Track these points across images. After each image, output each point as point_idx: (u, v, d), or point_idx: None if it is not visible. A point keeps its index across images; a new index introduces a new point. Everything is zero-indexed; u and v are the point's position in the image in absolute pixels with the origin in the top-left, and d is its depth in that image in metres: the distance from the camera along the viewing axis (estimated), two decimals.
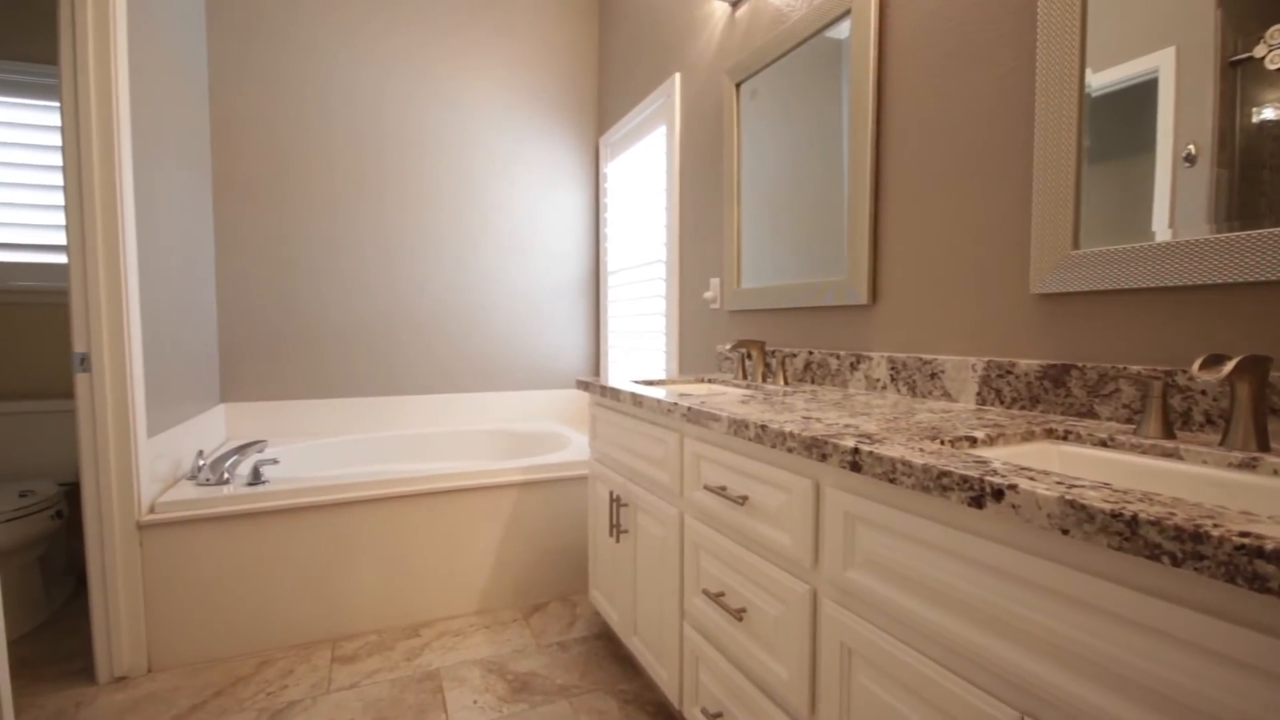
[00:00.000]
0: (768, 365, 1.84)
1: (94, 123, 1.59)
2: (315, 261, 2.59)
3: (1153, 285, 0.94)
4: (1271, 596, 0.46)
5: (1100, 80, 1.01)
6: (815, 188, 1.66)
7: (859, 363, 1.51)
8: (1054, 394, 1.08)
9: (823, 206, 1.63)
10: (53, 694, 1.61)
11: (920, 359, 1.35)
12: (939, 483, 0.69)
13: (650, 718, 1.55)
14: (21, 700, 1.59)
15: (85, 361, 1.62)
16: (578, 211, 3.08)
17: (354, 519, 1.92)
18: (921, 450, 0.78)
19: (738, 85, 1.96)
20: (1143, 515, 0.51)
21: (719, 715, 1.19)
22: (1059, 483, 0.61)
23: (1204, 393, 0.89)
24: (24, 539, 1.88)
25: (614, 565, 1.71)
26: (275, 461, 2.00)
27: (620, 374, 2.93)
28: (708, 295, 2.15)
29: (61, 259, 2.39)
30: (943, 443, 0.85)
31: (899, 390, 1.40)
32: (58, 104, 2.36)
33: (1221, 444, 0.78)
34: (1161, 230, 0.93)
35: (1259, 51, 0.81)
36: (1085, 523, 0.55)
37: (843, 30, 1.53)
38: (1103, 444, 0.88)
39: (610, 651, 1.85)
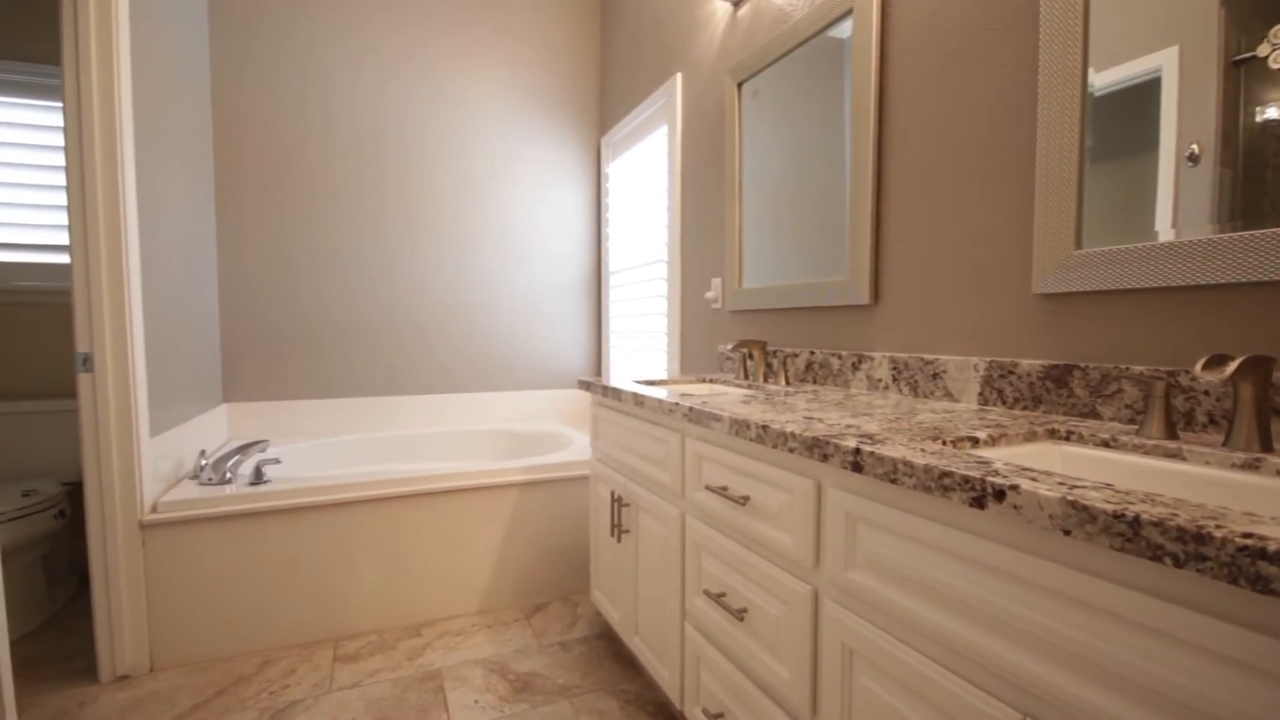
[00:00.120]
0: (769, 365, 1.84)
1: (96, 123, 1.59)
2: (316, 261, 2.59)
3: (1156, 285, 0.93)
4: (1274, 598, 0.45)
5: (1103, 80, 1.00)
6: (817, 187, 1.65)
7: (861, 363, 1.51)
8: (1056, 394, 1.08)
9: (824, 206, 1.63)
10: (55, 693, 1.62)
11: (922, 359, 1.35)
12: (940, 483, 0.69)
13: (651, 718, 1.55)
14: (24, 699, 1.59)
15: (88, 361, 1.62)
16: (579, 211, 3.08)
17: (356, 519, 1.93)
18: (923, 451, 0.78)
19: (739, 85, 1.96)
20: (1145, 516, 0.51)
21: (720, 716, 1.19)
22: (1061, 483, 0.61)
23: (1207, 393, 0.88)
24: (27, 538, 1.88)
25: (615, 565, 1.71)
26: (277, 461, 2.00)
27: (622, 374, 2.93)
28: (709, 295, 2.15)
29: (63, 259, 2.40)
30: (944, 443, 0.85)
31: (901, 390, 1.40)
32: (59, 104, 2.38)
33: (1224, 445, 0.78)
34: (1165, 230, 0.93)
35: (1262, 51, 0.81)
36: (1087, 523, 0.55)
37: (845, 30, 1.53)
38: (1105, 444, 0.88)
39: (611, 652, 1.85)
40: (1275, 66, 0.80)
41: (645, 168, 2.70)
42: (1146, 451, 0.83)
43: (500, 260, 2.92)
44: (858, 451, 0.81)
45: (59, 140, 2.38)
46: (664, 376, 2.02)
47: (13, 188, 2.35)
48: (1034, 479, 0.63)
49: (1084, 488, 0.60)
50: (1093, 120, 1.02)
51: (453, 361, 2.85)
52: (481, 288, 2.89)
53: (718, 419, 1.14)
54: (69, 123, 1.58)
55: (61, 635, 1.92)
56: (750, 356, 1.86)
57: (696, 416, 1.21)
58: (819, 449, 0.88)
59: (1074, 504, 0.56)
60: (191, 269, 2.15)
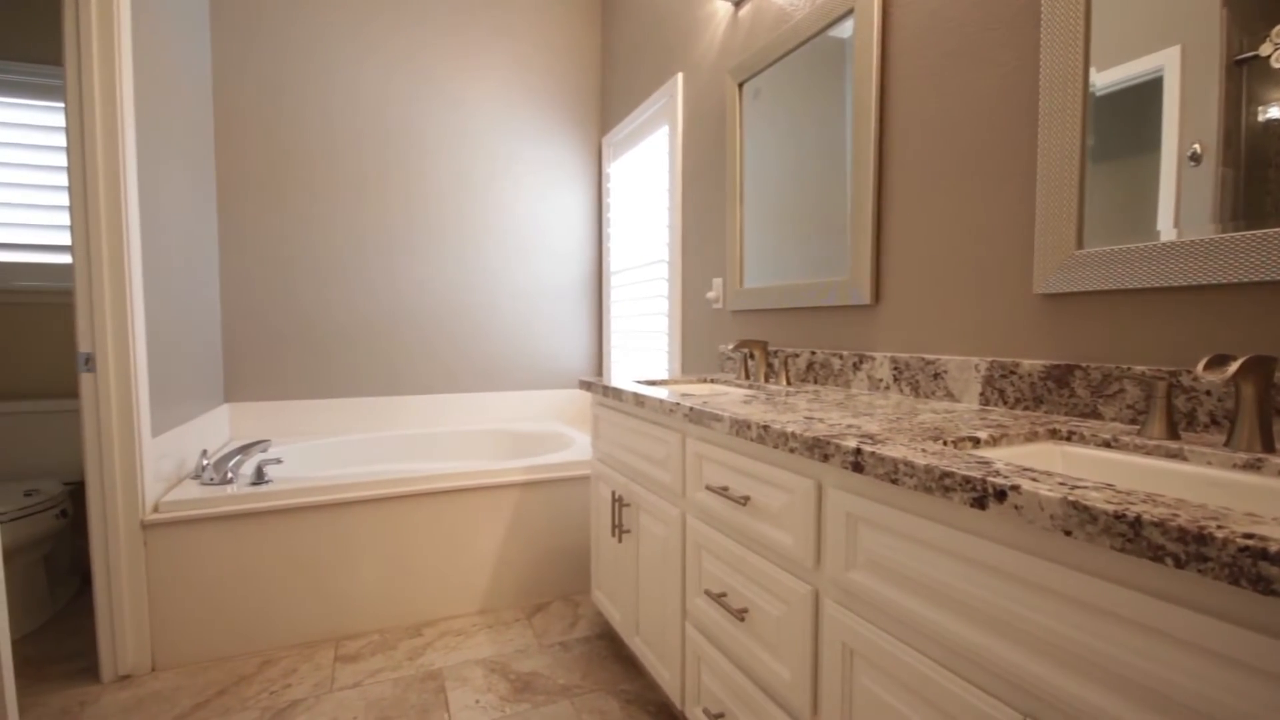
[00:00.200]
0: (770, 365, 1.83)
1: (98, 123, 1.60)
2: (318, 262, 2.60)
3: (1157, 285, 0.93)
4: (1275, 598, 0.45)
5: (1104, 79, 1.00)
6: (818, 187, 1.65)
7: (862, 363, 1.51)
8: (1058, 394, 1.08)
9: (825, 206, 1.63)
10: (57, 692, 1.62)
11: (923, 359, 1.34)
12: (941, 483, 0.69)
13: (652, 718, 1.55)
14: (26, 699, 1.59)
15: (90, 361, 1.63)
16: (580, 211, 3.08)
17: (357, 519, 1.93)
18: (924, 451, 0.78)
19: (740, 85, 1.96)
20: (1146, 516, 0.51)
21: (721, 716, 1.19)
22: (1062, 484, 0.61)
23: (1209, 393, 0.88)
24: (29, 538, 1.89)
25: (616, 565, 1.71)
26: (279, 461, 2.00)
27: (623, 374, 2.93)
28: (710, 295, 2.15)
29: (65, 259, 2.40)
30: (945, 443, 0.85)
31: (902, 390, 1.40)
32: (60, 104, 2.38)
33: (1226, 445, 0.78)
34: (1166, 230, 0.93)
35: (1265, 50, 0.81)
36: (1088, 524, 0.55)
37: (846, 29, 1.53)
38: (1107, 445, 0.88)
39: (612, 652, 1.85)
40: (1277, 66, 0.80)
41: (646, 168, 2.70)
42: (1148, 452, 0.83)
43: (501, 260, 2.92)
44: (858, 452, 0.81)
45: (59, 140, 2.38)
46: (665, 376, 2.02)
47: (13, 188, 2.35)
48: (1035, 479, 0.63)
49: (1085, 488, 0.59)
50: (1094, 120, 1.02)
51: (454, 361, 2.85)
52: (483, 287, 2.89)
53: (718, 419, 1.13)
54: (70, 123, 1.59)
55: (63, 635, 1.92)
56: (751, 356, 1.86)
57: (697, 416, 1.21)
58: (820, 449, 0.88)
59: (1075, 504, 0.56)
60: (193, 269, 2.16)
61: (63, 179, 2.38)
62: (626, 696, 1.63)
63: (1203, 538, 0.47)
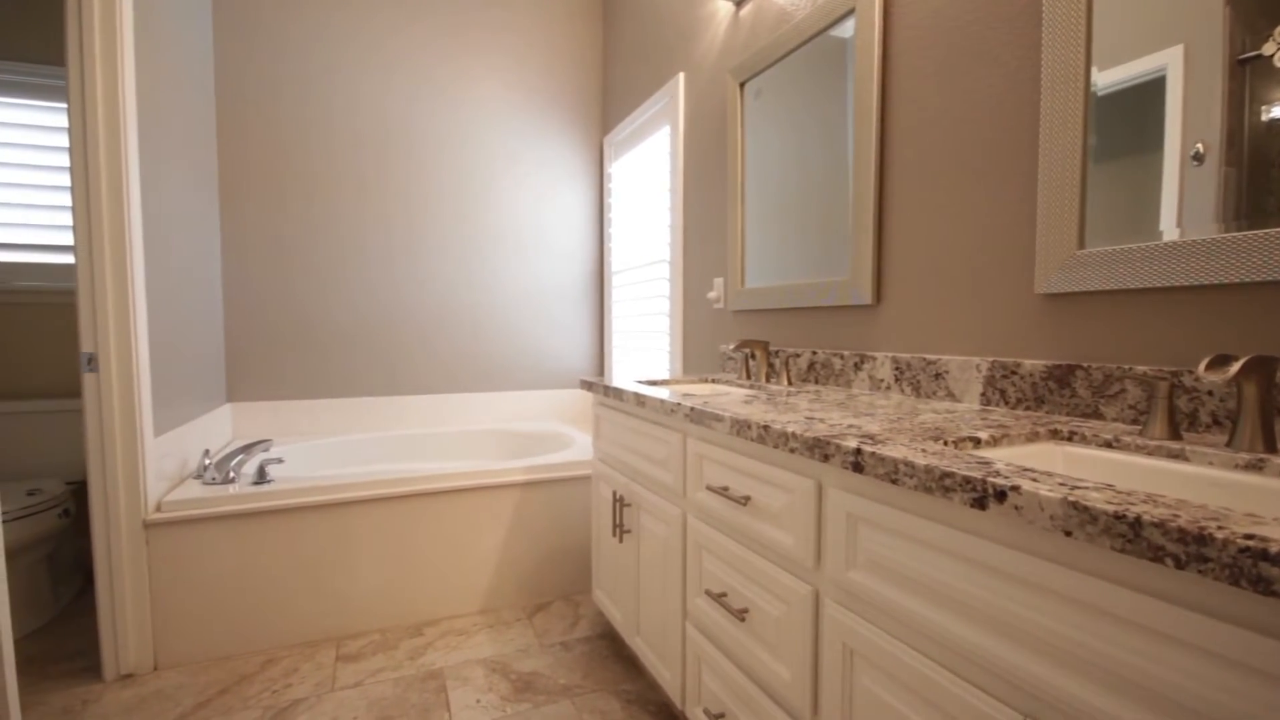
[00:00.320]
0: (771, 365, 1.83)
1: (101, 123, 1.60)
2: (319, 262, 2.60)
3: (1159, 285, 0.93)
4: (1275, 599, 0.45)
5: (1106, 79, 1.00)
6: (819, 187, 1.65)
7: (863, 363, 1.51)
8: (1059, 394, 1.08)
9: (827, 206, 1.63)
10: (59, 691, 1.62)
11: (924, 359, 1.34)
12: (941, 484, 0.69)
13: (653, 718, 1.54)
14: (28, 697, 1.60)
15: (92, 361, 1.63)
16: (581, 211, 3.08)
17: (358, 518, 1.93)
18: (924, 451, 0.78)
19: (741, 85, 1.96)
20: (1146, 517, 0.51)
21: (721, 716, 1.19)
22: (1062, 484, 0.61)
23: (1210, 393, 0.88)
24: (32, 537, 1.89)
25: (617, 565, 1.71)
26: (280, 461, 2.01)
27: (624, 374, 2.93)
28: (711, 295, 2.15)
29: (67, 259, 2.41)
30: (946, 443, 0.85)
31: (903, 391, 1.40)
32: (62, 105, 2.39)
33: (1228, 445, 0.78)
34: (1169, 229, 0.92)
35: (1268, 49, 0.81)
36: (1088, 524, 0.55)
37: (847, 29, 1.52)
38: (1108, 445, 0.88)
39: (613, 651, 1.85)
40: None
41: (647, 168, 2.70)
42: (1149, 452, 0.83)
43: (502, 260, 2.92)
44: (859, 452, 0.81)
45: (61, 141, 2.39)
46: (666, 376, 2.02)
47: (16, 188, 2.36)
48: (1035, 480, 0.63)
49: (1085, 488, 0.59)
50: (1096, 119, 1.02)
51: (455, 361, 2.86)
52: (484, 288, 2.89)
53: (719, 419, 1.13)
54: (73, 123, 1.59)
55: (66, 634, 1.93)
56: (752, 356, 1.86)
57: (698, 416, 1.21)
58: (820, 449, 0.88)
59: (1075, 505, 0.56)
60: (195, 269, 2.16)
61: (65, 179, 2.38)
62: (627, 696, 1.63)
63: (1203, 538, 0.47)
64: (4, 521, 1.81)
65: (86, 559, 2.35)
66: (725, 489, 1.14)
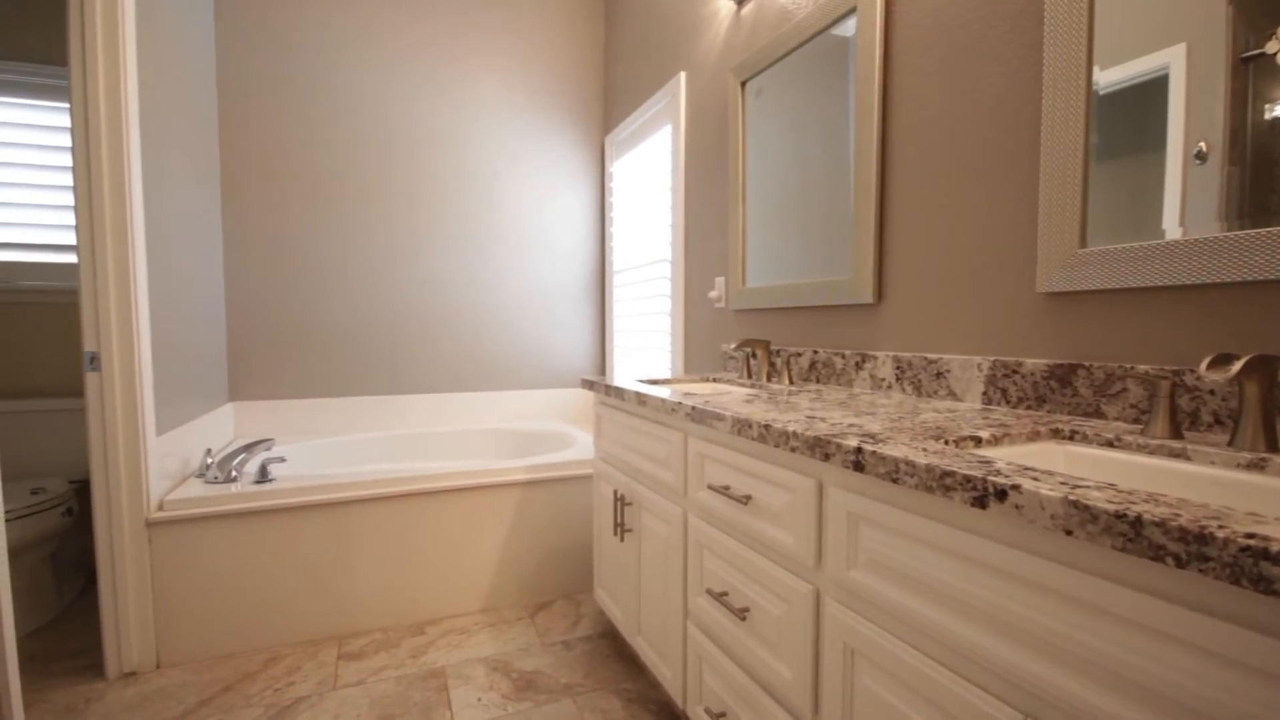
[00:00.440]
0: (773, 364, 1.83)
1: (103, 123, 1.60)
2: (321, 261, 2.60)
3: (1161, 284, 0.93)
4: (1276, 599, 0.45)
5: (1108, 78, 1.00)
6: (820, 186, 1.65)
7: (864, 362, 1.50)
8: (1060, 394, 1.07)
9: (828, 205, 1.62)
10: (62, 689, 1.63)
11: (925, 358, 1.34)
12: (942, 483, 0.69)
13: (654, 717, 1.55)
14: (31, 695, 1.60)
15: (95, 361, 1.64)
16: (583, 211, 3.08)
17: (360, 517, 1.93)
18: (925, 450, 0.78)
19: (743, 84, 1.95)
20: (1147, 516, 0.51)
21: (722, 715, 1.19)
22: (1063, 483, 0.61)
23: (1212, 393, 0.88)
24: (35, 536, 1.90)
25: (618, 564, 1.71)
26: (282, 460, 2.01)
27: (625, 373, 2.93)
28: (713, 294, 2.15)
29: (69, 259, 2.42)
30: (947, 442, 0.85)
31: (904, 390, 1.40)
32: (63, 104, 2.40)
33: (1230, 444, 0.78)
34: (1172, 228, 0.92)
35: (1271, 48, 0.80)
36: (1089, 523, 0.54)
37: (848, 28, 1.52)
38: (1109, 444, 0.88)
39: (615, 650, 1.85)
40: None
41: (649, 167, 2.70)
42: (1151, 451, 0.83)
43: (504, 260, 2.92)
44: (859, 451, 0.81)
45: (63, 140, 2.39)
46: (667, 376, 2.01)
47: (18, 188, 2.37)
48: (1036, 479, 0.63)
49: (1086, 487, 0.59)
50: (1098, 118, 1.01)
51: (456, 361, 2.86)
52: (485, 287, 2.90)
53: (720, 418, 1.13)
54: (75, 123, 1.60)
55: (69, 632, 1.93)
56: (754, 356, 1.86)
57: (699, 416, 1.21)
58: (821, 448, 0.88)
59: (1075, 504, 0.55)
60: (197, 268, 2.17)
61: (67, 179, 2.39)
62: (628, 695, 1.63)
63: (1204, 537, 0.47)
64: (7, 520, 1.82)
65: (89, 557, 2.36)
66: (726, 488, 1.14)
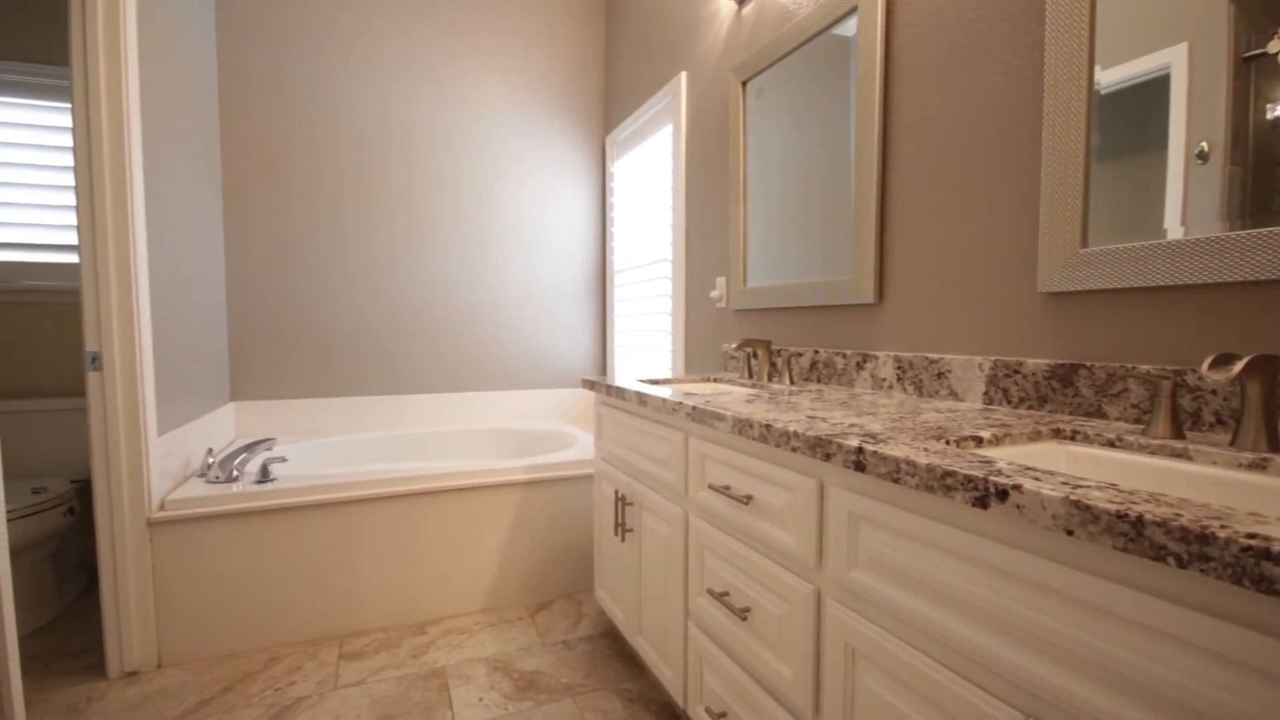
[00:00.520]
0: (774, 364, 1.83)
1: (104, 123, 1.61)
2: (322, 261, 2.61)
3: (1163, 284, 0.92)
4: (1278, 599, 0.45)
5: (1110, 77, 0.99)
6: (821, 186, 1.65)
7: (865, 362, 1.50)
8: (1062, 394, 1.07)
9: (829, 205, 1.62)
10: (64, 689, 1.63)
11: (927, 358, 1.34)
12: (943, 483, 0.69)
13: (655, 717, 1.55)
14: (33, 695, 1.61)
15: (96, 360, 1.64)
16: (584, 211, 3.08)
17: (361, 517, 1.94)
18: (926, 450, 0.78)
19: (744, 84, 1.95)
20: (1148, 516, 0.51)
21: (723, 715, 1.19)
22: (1064, 483, 0.61)
23: (1214, 392, 0.87)
24: (37, 535, 1.90)
25: (619, 564, 1.71)
26: (284, 459, 2.01)
27: (626, 373, 2.93)
28: (714, 294, 2.15)
29: (71, 258, 2.42)
30: (948, 442, 0.85)
31: (905, 390, 1.40)
32: (64, 105, 2.40)
33: (1231, 444, 0.77)
34: (1173, 228, 0.92)
35: (1272, 47, 0.80)
36: (1090, 523, 0.54)
37: (849, 27, 1.52)
38: (1111, 444, 0.88)
39: (615, 650, 1.85)
40: None
41: (650, 167, 2.70)
42: (1152, 451, 0.83)
43: (504, 260, 2.92)
44: (860, 451, 0.81)
45: (64, 140, 2.40)
46: (668, 375, 2.01)
47: (20, 188, 2.37)
48: (1037, 479, 0.62)
49: (1087, 487, 0.59)
50: (1099, 118, 1.01)
51: (457, 361, 2.86)
52: (486, 287, 2.90)
53: (721, 418, 1.13)
54: (77, 123, 1.60)
55: (70, 632, 1.94)
56: (754, 356, 1.86)
57: (700, 416, 1.21)
58: (822, 448, 0.88)
59: (1077, 504, 0.55)
60: (198, 268, 2.17)
61: (69, 179, 2.39)
62: (629, 695, 1.63)
63: (1205, 537, 0.47)
64: (9, 520, 1.82)
65: (91, 557, 2.36)
66: (727, 488, 1.14)
